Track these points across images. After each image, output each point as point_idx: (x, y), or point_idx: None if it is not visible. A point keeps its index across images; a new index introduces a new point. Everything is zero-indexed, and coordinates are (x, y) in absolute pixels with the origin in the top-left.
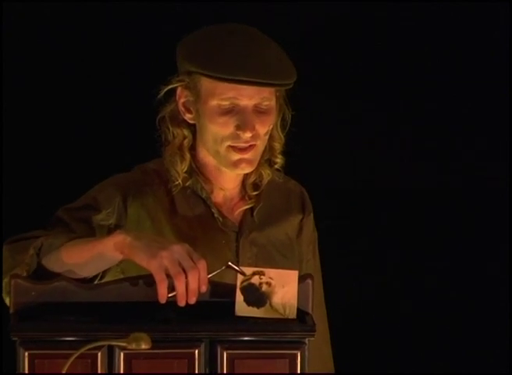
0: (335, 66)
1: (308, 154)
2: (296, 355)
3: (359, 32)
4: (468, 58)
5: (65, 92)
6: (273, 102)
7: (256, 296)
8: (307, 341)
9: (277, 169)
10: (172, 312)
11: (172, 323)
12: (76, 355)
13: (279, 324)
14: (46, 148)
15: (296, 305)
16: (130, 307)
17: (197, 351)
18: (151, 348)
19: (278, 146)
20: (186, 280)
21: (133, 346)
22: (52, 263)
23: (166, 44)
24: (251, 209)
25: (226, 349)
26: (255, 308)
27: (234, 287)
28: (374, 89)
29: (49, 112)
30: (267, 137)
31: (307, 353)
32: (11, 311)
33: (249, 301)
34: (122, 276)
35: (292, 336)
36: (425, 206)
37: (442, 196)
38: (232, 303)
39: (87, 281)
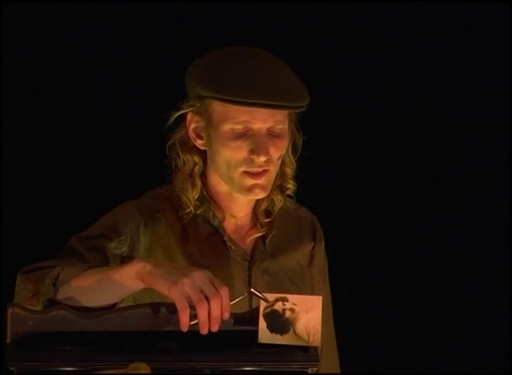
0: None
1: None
2: None
3: (354, 40)
4: (468, 59)
5: (71, 112)
6: (286, 126)
7: (279, 323)
8: (310, 371)
9: (288, 195)
10: (173, 341)
11: (173, 353)
12: None
13: (281, 354)
14: (53, 177)
15: (320, 332)
16: (130, 336)
17: None
18: None
19: (289, 171)
20: (208, 308)
21: None
22: (69, 293)
23: (177, 66)
24: (263, 237)
25: None
26: (279, 335)
27: (238, 316)
28: (372, 90)
29: (56, 129)
30: (279, 162)
31: None
32: (8, 340)
33: (272, 328)
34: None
35: (295, 366)
36: (425, 206)
37: (442, 196)
38: (242, 332)
39: None
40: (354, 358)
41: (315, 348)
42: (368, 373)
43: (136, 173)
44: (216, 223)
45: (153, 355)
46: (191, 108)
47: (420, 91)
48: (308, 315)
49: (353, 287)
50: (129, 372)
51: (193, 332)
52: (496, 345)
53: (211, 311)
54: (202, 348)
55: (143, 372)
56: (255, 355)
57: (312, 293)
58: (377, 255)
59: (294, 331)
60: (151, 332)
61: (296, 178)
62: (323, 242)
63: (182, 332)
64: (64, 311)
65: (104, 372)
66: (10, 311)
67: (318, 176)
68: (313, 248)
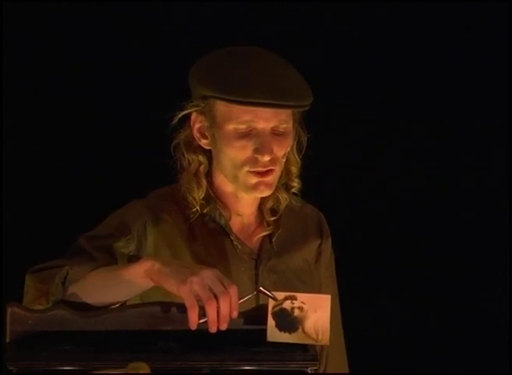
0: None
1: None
2: None
3: (354, 40)
4: (468, 59)
5: (71, 112)
6: (290, 125)
7: (288, 321)
8: (309, 370)
9: (294, 193)
10: (172, 341)
11: (173, 353)
12: None
13: (281, 353)
14: (53, 177)
15: (329, 330)
16: (130, 336)
17: None
18: None
19: (294, 170)
20: (217, 306)
21: None
22: (78, 292)
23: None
24: (269, 236)
25: None
26: (287, 334)
27: (242, 315)
28: (372, 90)
29: (56, 129)
30: (284, 160)
31: None
32: (7, 340)
33: (281, 327)
34: None
35: (294, 365)
36: (425, 206)
37: (442, 196)
38: (245, 331)
39: None
40: (354, 358)
41: (315, 347)
42: (368, 373)
43: (136, 173)
44: (222, 222)
45: (153, 355)
46: (195, 108)
47: (420, 91)
48: (317, 313)
49: (353, 287)
50: (129, 372)
51: (193, 331)
52: (496, 345)
53: (221, 309)
54: (202, 348)
55: (142, 372)
56: (255, 354)
57: (320, 289)
58: (377, 255)
59: (303, 330)
60: (151, 332)
61: (301, 176)
62: (330, 239)
63: (181, 331)
64: (63, 310)
65: (104, 372)
66: (9, 310)
67: (318, 176)
68: (320, 244)
